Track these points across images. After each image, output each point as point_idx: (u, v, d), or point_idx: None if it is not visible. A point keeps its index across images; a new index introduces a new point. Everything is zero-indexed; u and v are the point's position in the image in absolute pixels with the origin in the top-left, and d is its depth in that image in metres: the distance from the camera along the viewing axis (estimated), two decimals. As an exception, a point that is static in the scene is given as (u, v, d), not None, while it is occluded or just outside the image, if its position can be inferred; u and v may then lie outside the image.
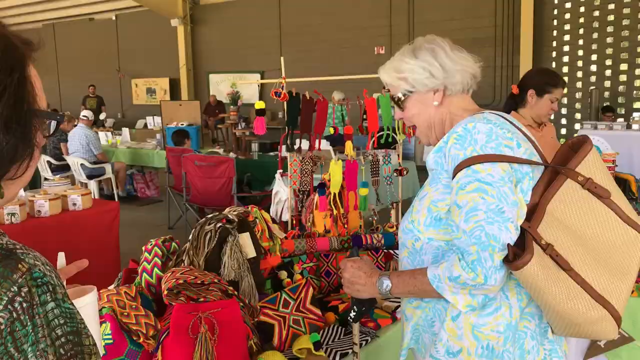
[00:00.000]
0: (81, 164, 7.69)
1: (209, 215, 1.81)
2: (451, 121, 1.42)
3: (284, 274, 2.04)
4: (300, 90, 2.47)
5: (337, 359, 1.68)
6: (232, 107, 7.67)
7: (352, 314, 1.49)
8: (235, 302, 1.56)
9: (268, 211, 3.40)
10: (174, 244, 1.84)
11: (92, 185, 7.76)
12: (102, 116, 13.28)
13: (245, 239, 1.79)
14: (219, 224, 1.76)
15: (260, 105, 2.35)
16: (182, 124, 8.57)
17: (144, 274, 1.73)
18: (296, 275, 2.10)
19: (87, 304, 1.01)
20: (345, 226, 2.50)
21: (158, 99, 15.26)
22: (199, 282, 1.56)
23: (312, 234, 2.39)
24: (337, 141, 5.82)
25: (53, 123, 0.81)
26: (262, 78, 13.58)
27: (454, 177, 1.29)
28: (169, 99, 15.33)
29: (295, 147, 2.40)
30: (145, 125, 12.63)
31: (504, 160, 1.25)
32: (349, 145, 2.43)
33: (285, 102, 2.37)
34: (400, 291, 1.37)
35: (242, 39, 14.62)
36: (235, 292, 1.62)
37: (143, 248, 1.81)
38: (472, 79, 1.44)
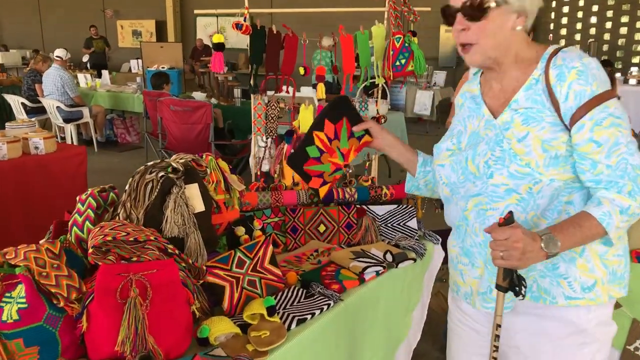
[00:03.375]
0: (57, 107, 7.37)
1: (150, 163, 1.59)
2: (516, 52, 1.38)
3: (241, 230, 1.82)
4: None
5: (293, 326, 1.49)
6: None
7: (522, 288, 1.30)
8: (173, 263, 1.35)
9: (247, 162, 3.18)
10: (112, 194, 1.63)
11: (70, 129, 7.47)
12: (85, 58, 12.79)
13: (192, 190, 1.58)
14: (162, 173, 1.54)
15: (218, 38, 2.07)
16: (163, 67, 8.22)
17: (74, 228, 1.52)
18: (256, 231, 1.89)
19: None
20: (316, 178, 2.29)
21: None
22: (131, 239, 1.36)
23: (279, 186, 2.18)
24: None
25: None
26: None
27: (579, 113, 1.28)
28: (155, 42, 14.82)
29: (259, 88, 2.16)
30: (130, 69, 12.20)
31: (616, 94, 1.31)
32: (320, 87, 2.18)
33: (248, 37, 2.10)
34: (568, 245, 1.30)
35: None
36: (176, 251, 1.42)
37: (77, 198, 1.59)
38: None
